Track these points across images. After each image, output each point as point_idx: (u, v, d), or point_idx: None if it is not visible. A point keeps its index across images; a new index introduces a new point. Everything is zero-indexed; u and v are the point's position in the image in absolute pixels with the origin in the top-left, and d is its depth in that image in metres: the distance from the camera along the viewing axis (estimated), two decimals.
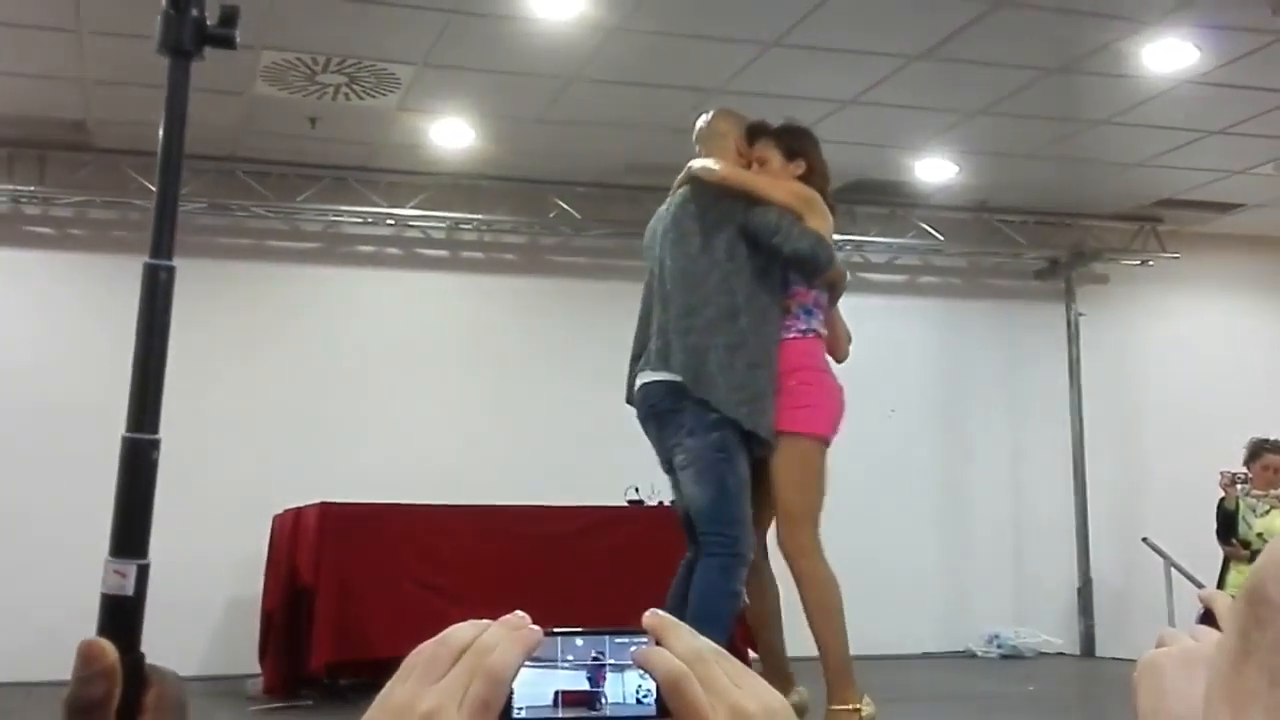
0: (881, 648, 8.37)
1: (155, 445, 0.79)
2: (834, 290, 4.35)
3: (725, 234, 4.10)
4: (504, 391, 8.64)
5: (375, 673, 5.83)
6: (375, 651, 6.02)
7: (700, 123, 4.45)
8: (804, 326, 4.16)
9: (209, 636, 7.77)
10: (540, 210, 8.78)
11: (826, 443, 4.16)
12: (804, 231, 4.01)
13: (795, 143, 4.24)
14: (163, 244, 0.82)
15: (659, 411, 4.17)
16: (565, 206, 8.76)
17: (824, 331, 4.22)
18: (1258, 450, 7.27)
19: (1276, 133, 7.81)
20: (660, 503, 7.47)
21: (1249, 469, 7.30)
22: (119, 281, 8.13)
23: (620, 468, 7.35)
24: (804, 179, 4.18)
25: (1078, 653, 9.18)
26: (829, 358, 4.30)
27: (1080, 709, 7.28)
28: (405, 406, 8.42)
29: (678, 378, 4.08)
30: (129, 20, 6.18)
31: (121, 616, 0.76)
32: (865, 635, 8.45)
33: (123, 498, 0.78)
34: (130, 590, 0.77)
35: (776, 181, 4.13)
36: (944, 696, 7.13)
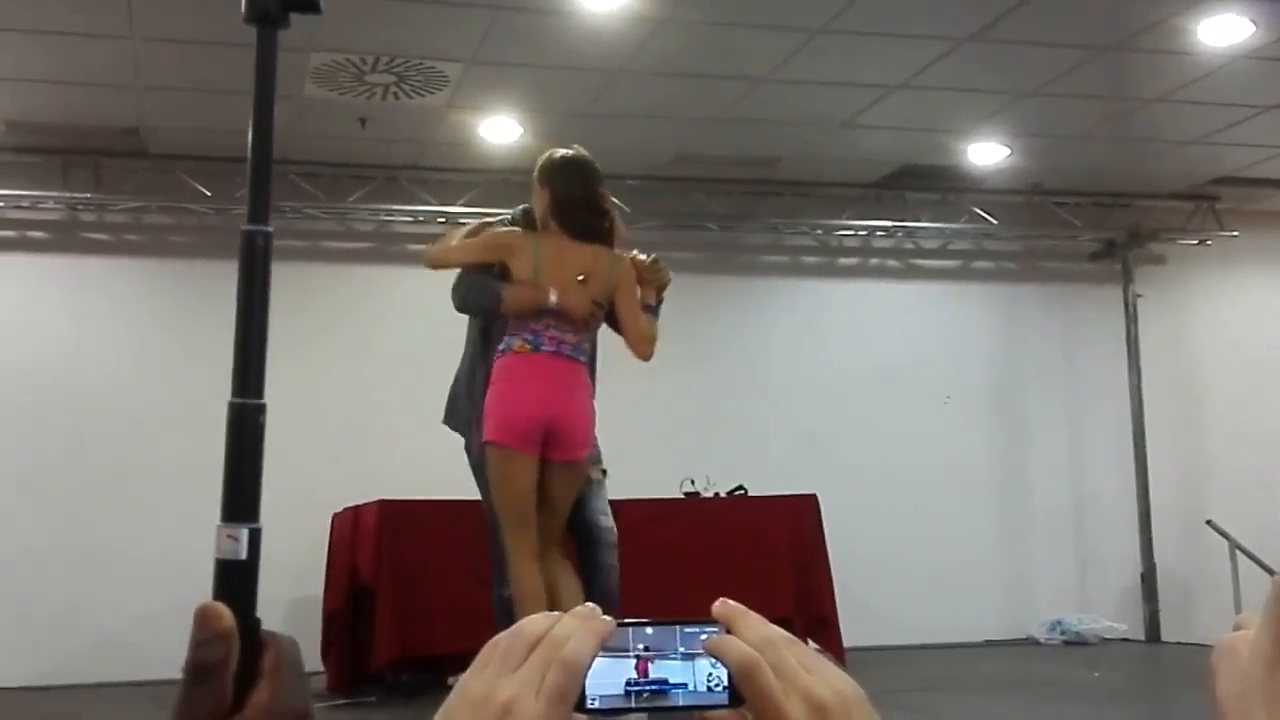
0: (943, 636, 8.32)
1: (261, 410, 0.79)
2: (563, 315, 4.77)
3: None
4: None
5: (437, 669, 5.86)
6: (437, 648, 6.05)
7: None
8: (501, 348, 4.70)
9: None
10: None
11: (500, 445, 4.61)
12: (455, 288, 4.78)
13: (543, 175, 4.92)
14: (259, 209, 0.81)
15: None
16: (614, 200, 8.72)
17: (518, 345, 4.68)
18: None
19: None
20: (716, 494, 7.47)
21: None
22: (177, 285, 8.24)
23: (676, 460, 7.35)
24: (549, 204, 4.84)
25: (1143, 638, 9.06)
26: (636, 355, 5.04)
27: (1150, 695, 7.18)
28: None
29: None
30: (181, 26, 6.25)
31: (235, 581, 0.75)
32: (926, 624, 8.51)
33: (231, 463, 0.77)
34: (244, 554, 0.76)
35: (467, 245, 4.84)
36: (1009, 684, 7.06)
